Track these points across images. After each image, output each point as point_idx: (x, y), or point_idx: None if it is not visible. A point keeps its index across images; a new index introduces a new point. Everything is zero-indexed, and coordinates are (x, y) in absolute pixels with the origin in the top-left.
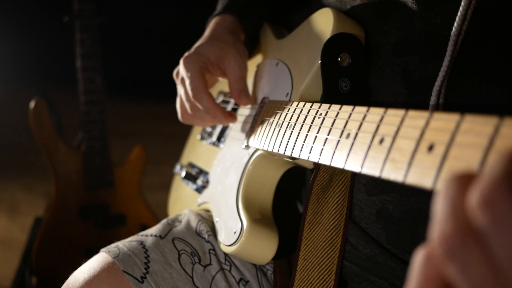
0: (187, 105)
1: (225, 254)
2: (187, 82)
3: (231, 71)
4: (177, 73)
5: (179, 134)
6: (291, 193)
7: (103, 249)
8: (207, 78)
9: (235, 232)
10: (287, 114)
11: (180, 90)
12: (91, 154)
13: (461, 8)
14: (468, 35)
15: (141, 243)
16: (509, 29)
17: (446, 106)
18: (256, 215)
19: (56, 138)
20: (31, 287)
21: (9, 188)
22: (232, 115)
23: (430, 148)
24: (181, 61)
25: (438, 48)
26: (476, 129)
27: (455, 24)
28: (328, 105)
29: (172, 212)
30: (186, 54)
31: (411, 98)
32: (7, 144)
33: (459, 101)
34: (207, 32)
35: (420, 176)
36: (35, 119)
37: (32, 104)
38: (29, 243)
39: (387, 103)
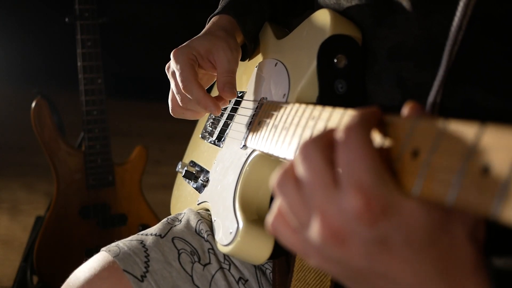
0: (178, 98)
1: (224, 254)
2: (177, 73)
3: (220, 64)
4: (168, 68)
5: (179, 134)
6: None
7: (103, 248)
8: (201, 75)
9: (231, 232)
10: (282, 115)
11: (171, 83)
12: (92, 153)
13: (456, 18)
14: (463, 45)
15: (141, 242)
16: (505, 38)
17: (441, 114)
18: (253, 216)
19: (57, 138)
20: (32, 286)
21: (10, 187)
22: (224, 104)
23: (415, 154)
24: (171, 55)
25: (433, 56)
26: (458, 136)
27: (450, 34)
28: (321, 107)
29: (174, 210)
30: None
31: None
32: (8, 144)
33: (454, 110)
34: (202, 31)
35: (405, 182)
36: (36, 118)
37: (33, 104)
38: (30, 242)
39: (383, 107)
